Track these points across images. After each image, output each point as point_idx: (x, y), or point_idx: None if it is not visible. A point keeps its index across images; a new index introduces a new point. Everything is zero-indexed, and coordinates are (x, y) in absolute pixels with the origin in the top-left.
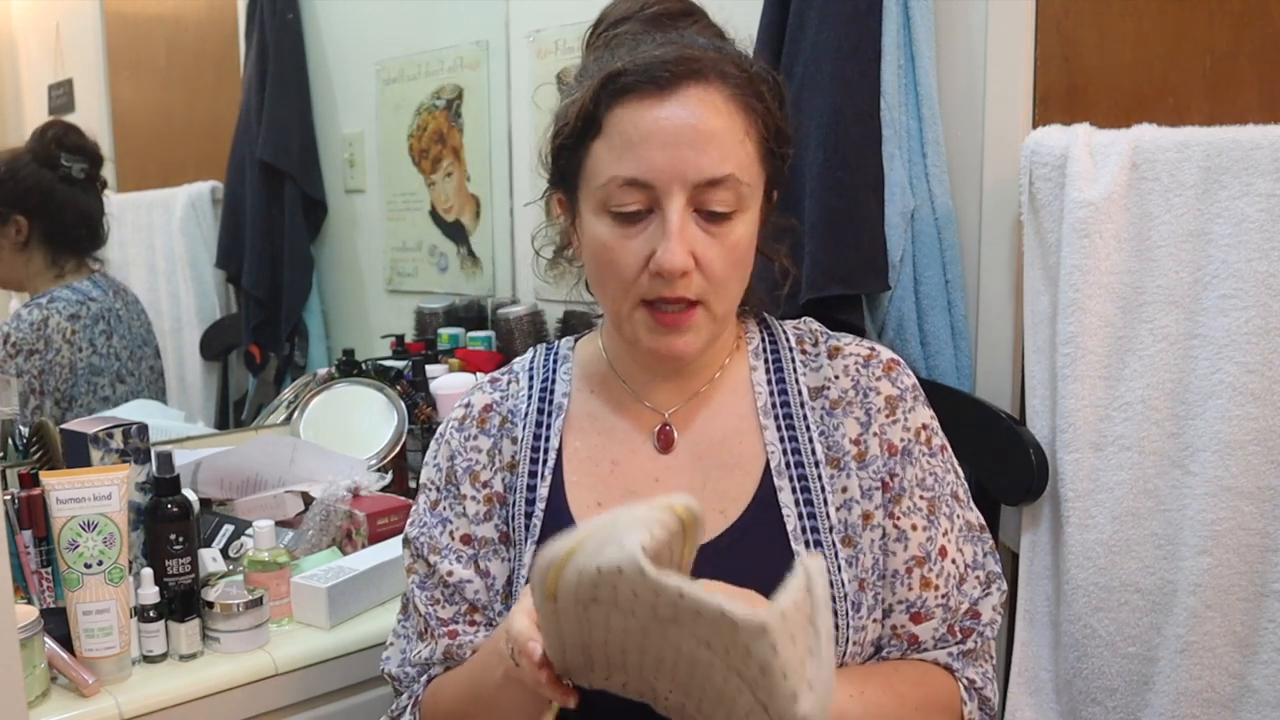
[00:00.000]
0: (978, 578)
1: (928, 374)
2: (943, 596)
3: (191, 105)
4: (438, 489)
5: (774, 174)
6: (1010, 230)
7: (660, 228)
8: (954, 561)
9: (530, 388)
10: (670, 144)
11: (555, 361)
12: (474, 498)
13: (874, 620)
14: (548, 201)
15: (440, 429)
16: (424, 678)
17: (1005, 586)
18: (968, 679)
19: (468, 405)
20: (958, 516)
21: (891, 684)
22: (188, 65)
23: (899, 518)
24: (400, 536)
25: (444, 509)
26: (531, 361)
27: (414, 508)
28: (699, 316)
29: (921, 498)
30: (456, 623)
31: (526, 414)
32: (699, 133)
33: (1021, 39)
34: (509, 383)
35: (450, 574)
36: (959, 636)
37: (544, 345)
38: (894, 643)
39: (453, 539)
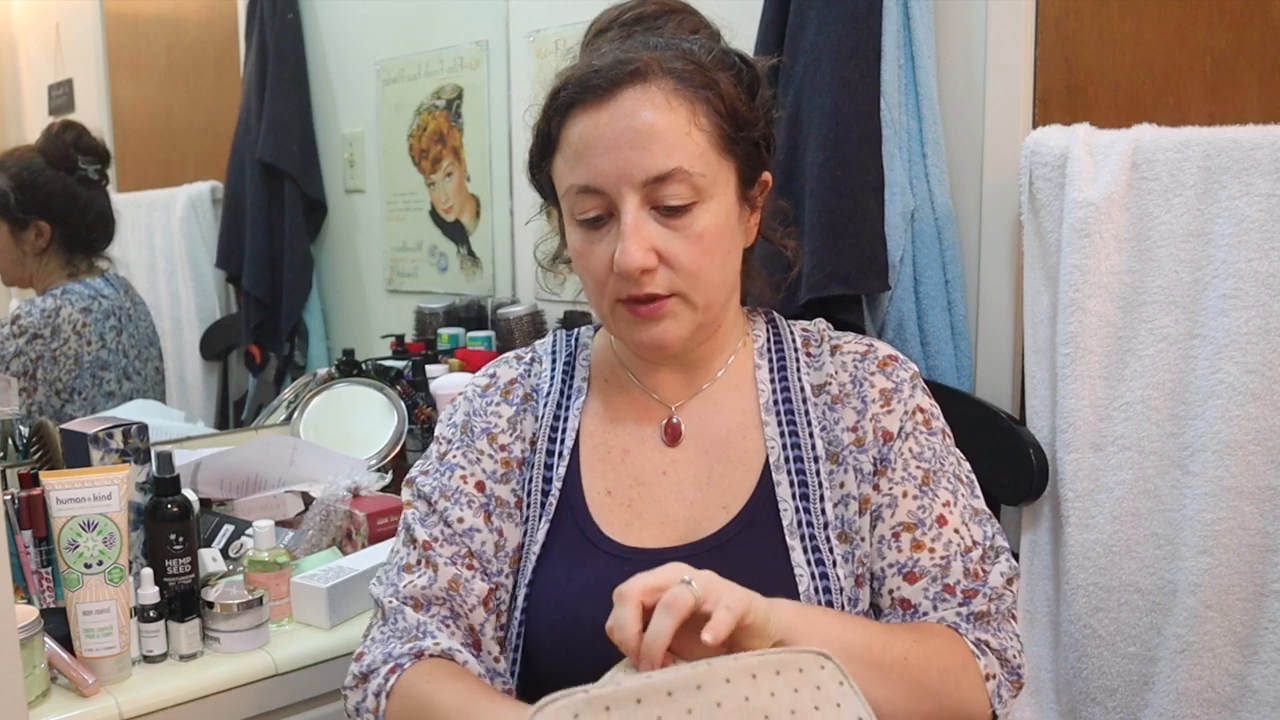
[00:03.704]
0: (985, 549)
1: (928, 374)
2: (941, 559)
3: (191, 105)
4: (449, 441)
5: (746, 160)
6: (1010, 230)
7: (620, 230)
8: (957, 532)
9: (553, 369)
10: (611, 148)
11: (577, 348)
12: (490, 456)
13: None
14: (547, 211)
15: (461, 391)
16: (410, 648)
17: (1016, 564)
18: (977, 638)
19: (493, 376)
20: (961, 496)
21: (891, 631)
22: (188, 65)
23: (889, 488)
24: None
25: (454, 457)
26: (554, 345)
27: (422, 460)
28: (673, 305)
29: (917, 468)
30: (455, 564)
31: (549, 393)
32: (638, 133)
33: (1021, 39)
34: (533, 361)
35: (461, 520)
36: (960, 597)
37: (564, 330)
38: (890, 611)
39: (465, 483)
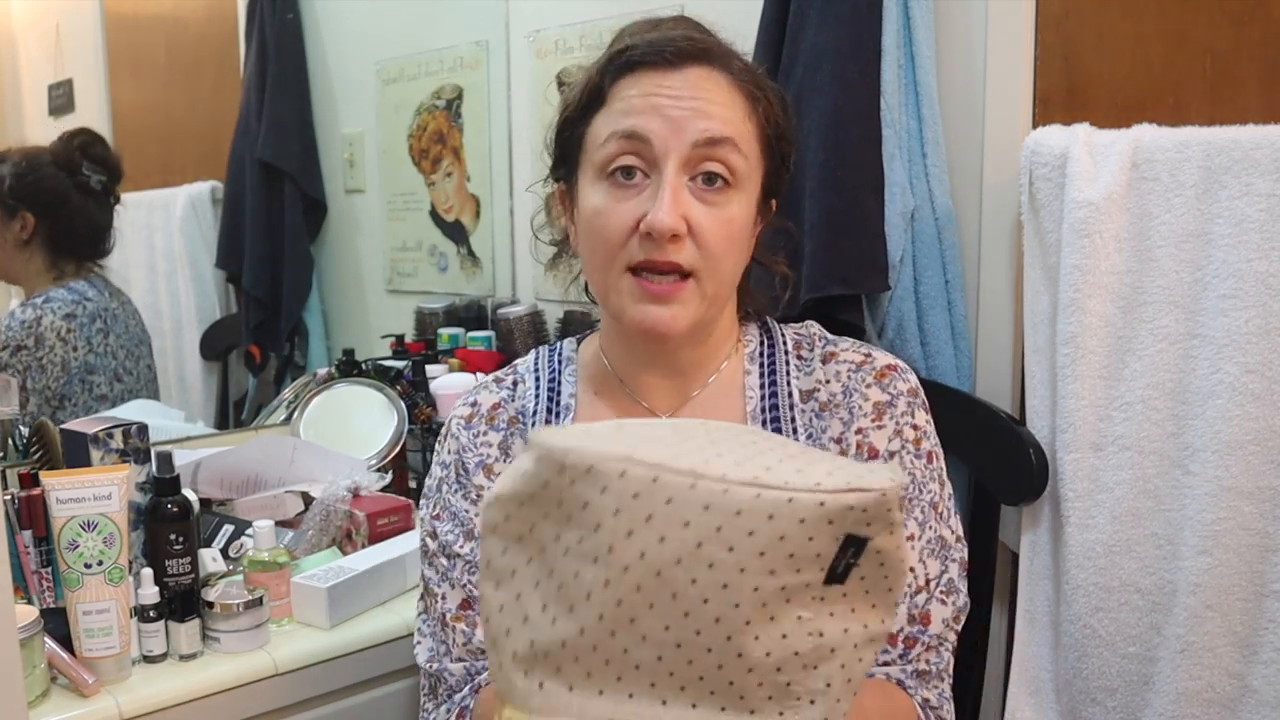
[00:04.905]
0: (932, 591)
1: (927, 374)
2: None
3: (191, 105)
4: (448, 484)
5: (773, 172)
6: (1010, 230)
7: (655, 191)
8: (912, 570)
9: (537, 389)
10: (671, 108)
11: (560, 363)
12: (490, 488)
13: None
14: (547, 199)
15: (445, 427)
16: (470, 686)
17: (965, 604)
18: (923, 698)
19: (474, 404)
20: (930, 528)
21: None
22: (188, 65)
23: None
24: (400, 536)
25: (457, 501)
26: (535, 363)
27: (428, 503)
28: (689, 290)
29: None
30: None
31: (535, 413)
32: (700, 100)
33: (1021, 39)
34: (515, 383)
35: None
36: (901, 648)
37: (545, 347)
38: None
39: (473, 522)
